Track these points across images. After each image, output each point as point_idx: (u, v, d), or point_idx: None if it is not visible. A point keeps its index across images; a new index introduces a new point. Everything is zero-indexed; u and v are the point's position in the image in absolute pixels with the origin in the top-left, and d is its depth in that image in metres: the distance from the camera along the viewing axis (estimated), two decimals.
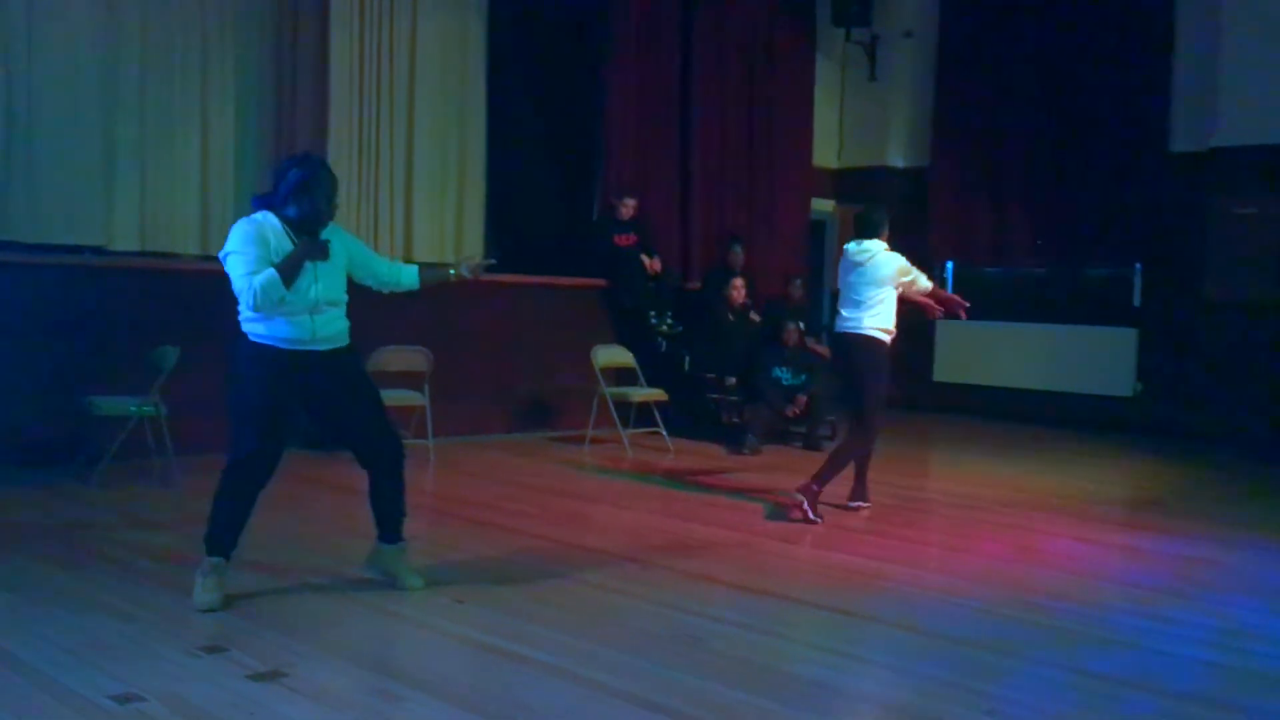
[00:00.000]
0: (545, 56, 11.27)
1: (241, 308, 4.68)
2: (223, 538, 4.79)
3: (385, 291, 5.16)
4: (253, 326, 4.70)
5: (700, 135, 11.86)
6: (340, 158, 9.78)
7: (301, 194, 4.69)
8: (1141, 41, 11.48)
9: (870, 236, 6.97)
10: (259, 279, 4.57)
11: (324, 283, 4.75)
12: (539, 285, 10.44)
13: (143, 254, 8.80)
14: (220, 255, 4.73)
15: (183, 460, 7.23)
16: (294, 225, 4.72)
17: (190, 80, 9.13)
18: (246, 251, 4.62)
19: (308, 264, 4.68)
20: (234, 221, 9.05)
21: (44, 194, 8.35)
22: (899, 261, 6.90)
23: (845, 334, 6.95)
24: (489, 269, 5.28)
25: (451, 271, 5.23)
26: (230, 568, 4.81)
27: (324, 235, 4.79)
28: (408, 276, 5.14)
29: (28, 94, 8.28)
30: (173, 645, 4.19)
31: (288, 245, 4.67)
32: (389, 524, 5.10)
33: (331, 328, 4.80)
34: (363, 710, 3.67)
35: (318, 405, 4.87)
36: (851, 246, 7.00)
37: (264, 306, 4.60)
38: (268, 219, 4.71)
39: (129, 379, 7.19)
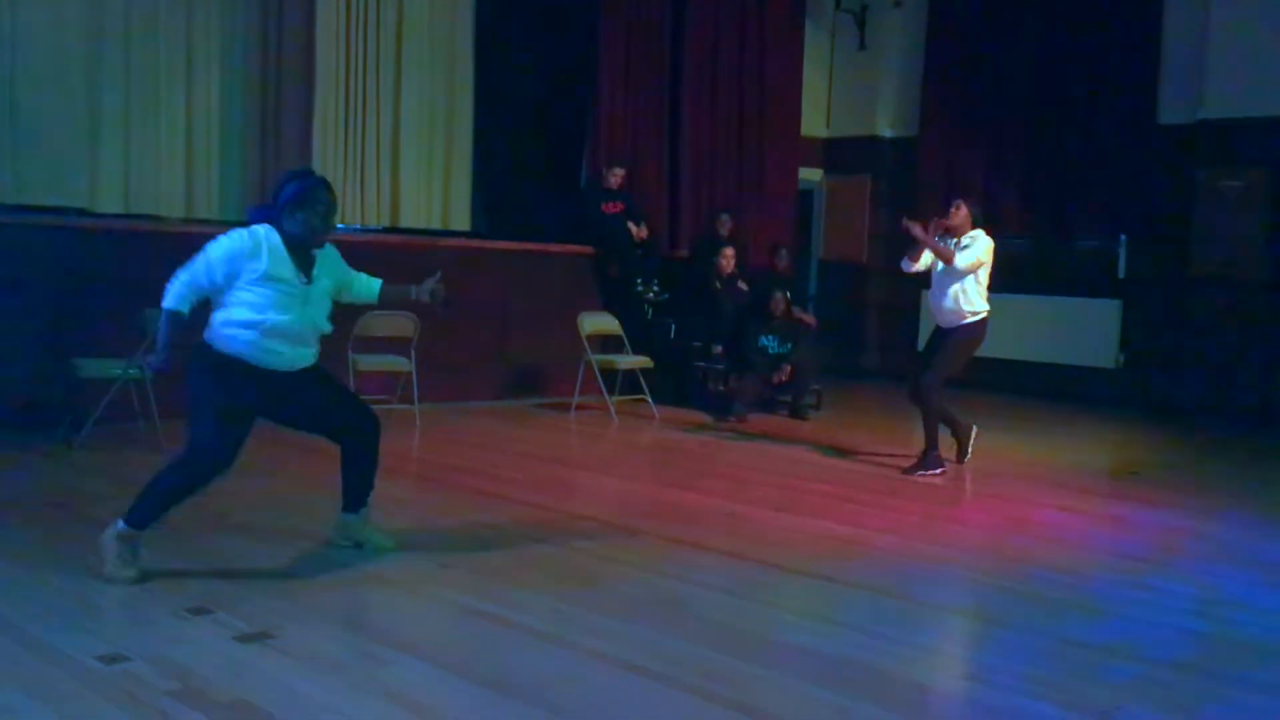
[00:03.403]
0: (534, 24, 11.19)
1: (220, 316, 4.54)
2: (151, 516, 4.62)
3: (344, 302, 5.09)
4: (226, 343, 4.54)
5: (689, 104, 11.80)
6: (326, 125, 9.72)
7: (297, 209, 4.57)
8: (1130, 13, 11.46)
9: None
10: (175, 301, 4.46)
11: (314, 314, 4.67)
12: (526, 252, 10.42)
13: (127, 216, 8.74)
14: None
15: (168, 423, 7.19)
16: (291, 241, 4.59)
17: (175, 43, 9.03)
18: (203, 268, 4.50)
19: (298, 299, 4.58)
20: (217, 184, 9.03)
21: (28, 155, 8.27)
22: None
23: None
24: (447, 304, 5.18)
25: (413, 292, 5.14)
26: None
27: (317, 255, 4.70)
28: (369, 291, 5.09)
29: (11, 54, 8.19)
30: (160, 607, 4.19)
31: (285, 262, 4.55)
32: (356, 494, 5.04)
33: (308, 357, 4.74)
34: (351, 672, 3.68)
35: (283, 408, 4.76)
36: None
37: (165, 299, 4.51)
38: (269, 236, 4.55)
39: (114, 341, 7.15)
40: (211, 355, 4.57)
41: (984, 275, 7.36)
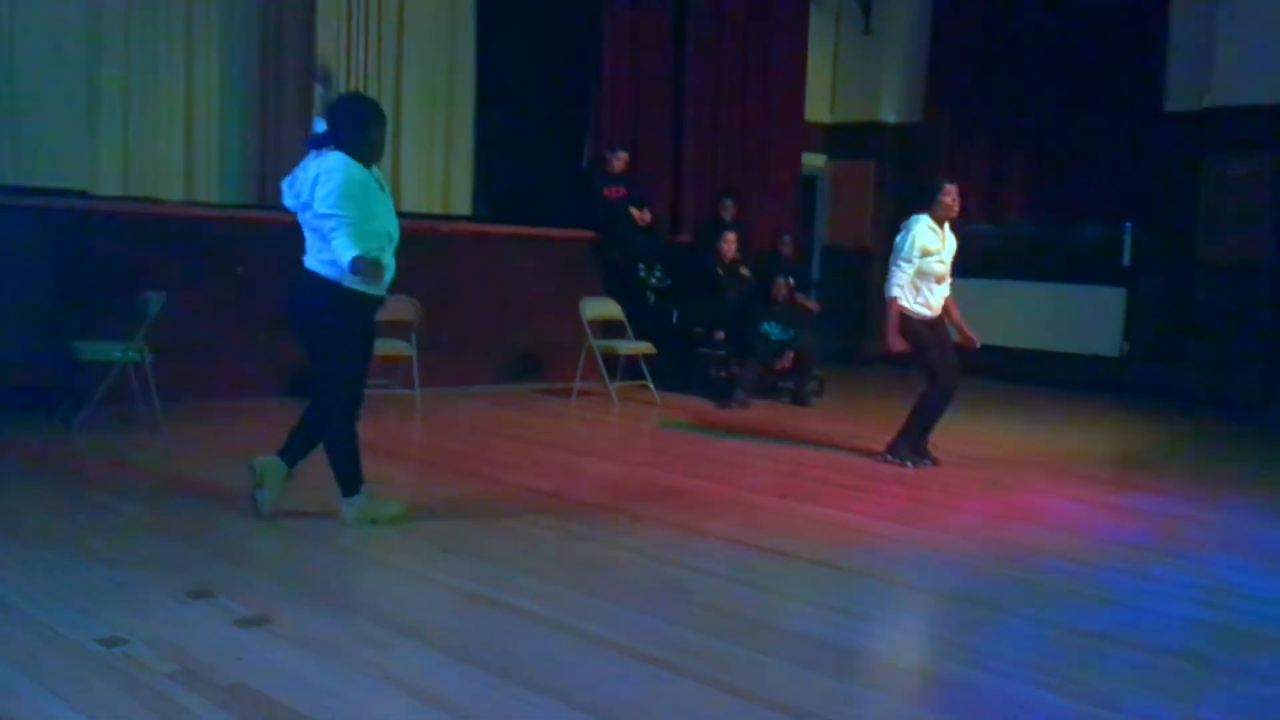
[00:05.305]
0: (536, 6, 11.13)
1: (333, 255, 4.76)
2: (355, 475, 5.10)
3: None
4: (351, 277, 4.80)
5: (693, 87, 11.75)
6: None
7: (363, 124, 4.88)
8: (1137, 0, 11.38)
9: (918, 208, 7.07)
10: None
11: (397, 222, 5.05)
12: (527, 237, 10.38)
13: (126, 198, 8.70)
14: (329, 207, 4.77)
15: (167, 407, 7.18)
16: (362, 160, 4.91)
17: (175, 24, 9.00)
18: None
19: (386, 203, 4.95)
20: (217, 166, 9.10)
21: (27, 137, 8.25)
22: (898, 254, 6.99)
23: None
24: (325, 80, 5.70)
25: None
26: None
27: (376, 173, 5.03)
28: None
29: (10, 36, 8.16)
30: (160, 590, 4.17)
31: (372, 181, 4.88)
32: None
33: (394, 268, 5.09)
34: (350, 656, 3.65)
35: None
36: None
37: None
38: (358, 168, 4.85)
39: (114, 324, 7.12)
40: (346, 296, 4.84)
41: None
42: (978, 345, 7.26)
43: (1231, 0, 10.68)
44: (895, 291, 6.96)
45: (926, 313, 7.05)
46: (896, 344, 7.03)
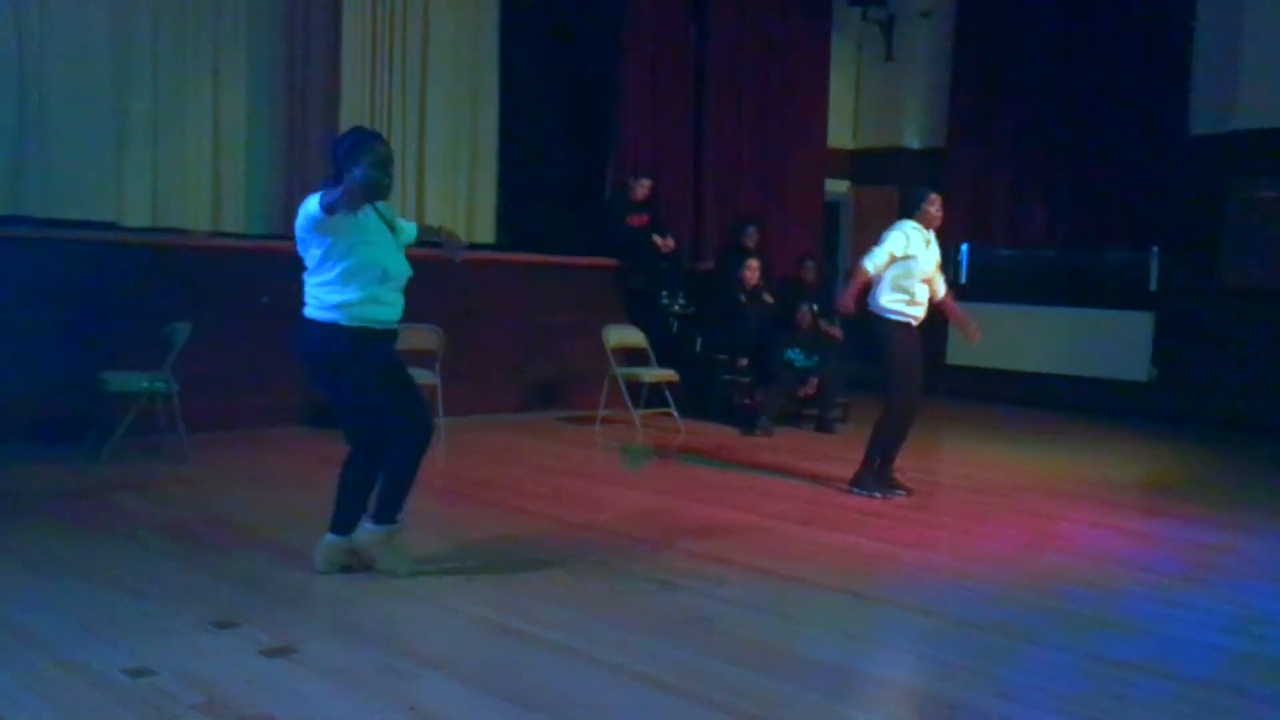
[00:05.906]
0: (559, 35, 11.22)
1: (342, 290, 4.62)
2: (397, 505, 4.93)
3: None
4: (353, 310, 4.68)
5: (715, 115, 11.79)
6: None
7: (353, 164, 4.69)
8: (1161, 22, 11.36)
9: (903, 215, 7.00)
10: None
11: (403, 264, 4.86)
12: (551, 265, 10.41)
13: (154, 230, 8.80)
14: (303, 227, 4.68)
15: (194, 437, 7.23)
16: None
17: (202, 56, 9.11)
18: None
19: (386, 239, 4.78)
20: (244, 198, 9.12)
21: (56, 169, 8.35)
22: (881, 242, 6.88)
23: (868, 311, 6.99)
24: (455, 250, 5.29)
25: (438, 240, 5.26)
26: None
27: (387, 211, 4.89)
28: (412, 235, 5.17)
29: (40, 69, 8.27)
30: (184, 620, 4.19)
31: (368, 211, 4.72)
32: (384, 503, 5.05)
33: (402, 308, 4.92)
34: (374, 688, 3.66)
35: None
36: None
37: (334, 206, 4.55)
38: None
39: (140, 355, 7.18)
40: (346, 335, 4.69)
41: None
42: (978, 339, 7.14)
43: (1256, 23, 10.64)
44: (866, 263, 6.82)
45: (914, 315, 6.86)
46: (849, 304, 6.93)
